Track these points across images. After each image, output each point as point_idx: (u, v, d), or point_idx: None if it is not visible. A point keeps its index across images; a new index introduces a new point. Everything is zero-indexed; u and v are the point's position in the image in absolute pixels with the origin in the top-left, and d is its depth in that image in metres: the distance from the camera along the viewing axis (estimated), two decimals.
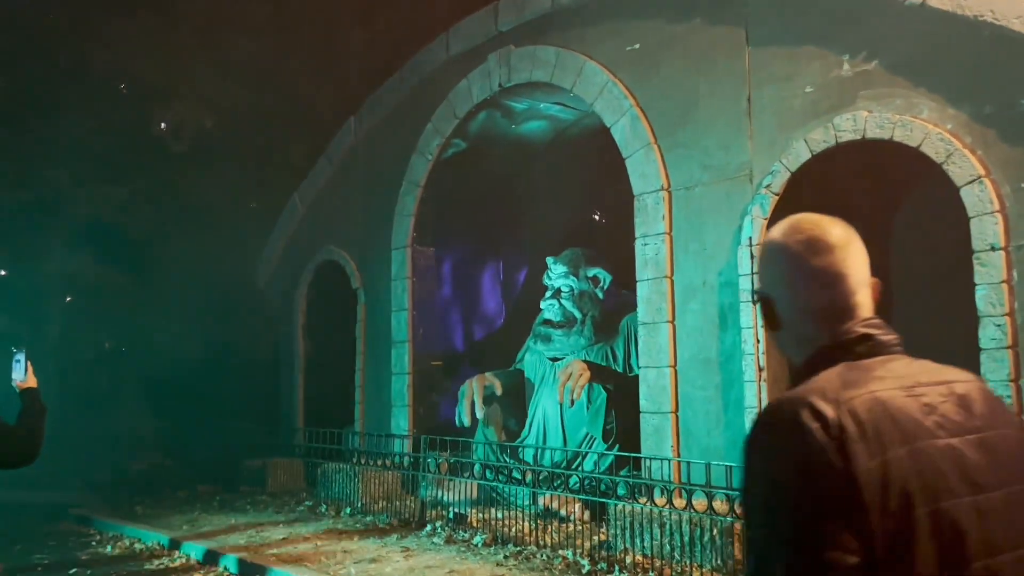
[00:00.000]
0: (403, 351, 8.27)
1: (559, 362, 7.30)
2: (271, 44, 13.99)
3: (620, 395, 6.62)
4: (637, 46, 6.20)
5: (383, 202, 8.63)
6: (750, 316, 5.31)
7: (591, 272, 7.27)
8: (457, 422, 7.31)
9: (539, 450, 7.06)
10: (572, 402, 6.46)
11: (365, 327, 8.88)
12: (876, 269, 1.30)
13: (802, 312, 1.24)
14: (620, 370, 7.03)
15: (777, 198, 5.28)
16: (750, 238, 5.34)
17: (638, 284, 6.03)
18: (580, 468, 6.71)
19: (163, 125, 13.74)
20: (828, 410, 1.07)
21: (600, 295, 7.25)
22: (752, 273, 5.32)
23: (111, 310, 13.58)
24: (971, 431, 1.14)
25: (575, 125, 8.36)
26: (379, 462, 7.70)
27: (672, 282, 5.83)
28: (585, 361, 6.71)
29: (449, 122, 7.88)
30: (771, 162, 5.31)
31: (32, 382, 3.04)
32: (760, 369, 5.26)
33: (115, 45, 13.29)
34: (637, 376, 6.80)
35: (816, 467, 1.04)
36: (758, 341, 5.27)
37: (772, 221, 5.32)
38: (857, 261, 1.26)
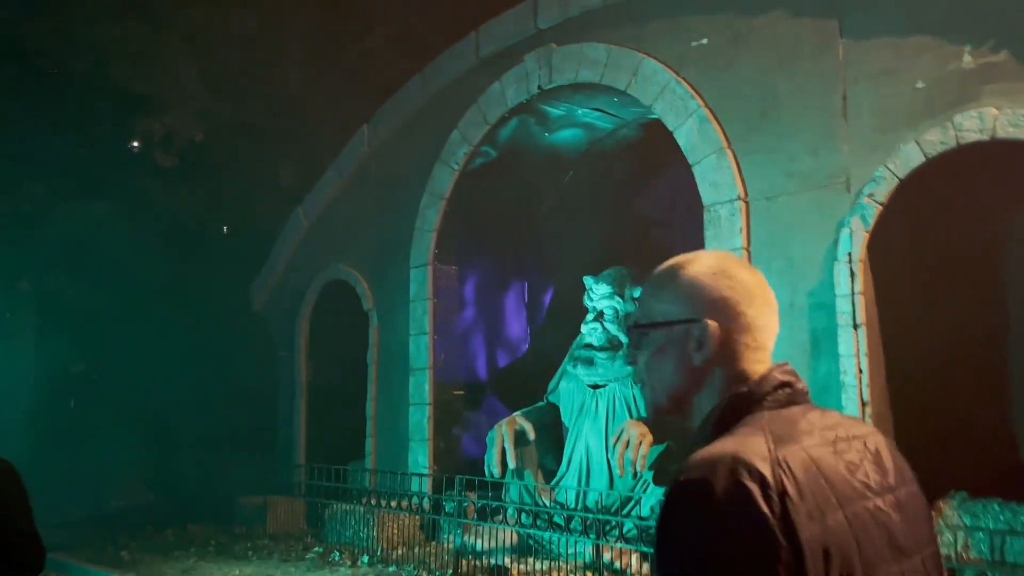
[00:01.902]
0: (423, 379, 7.51)
1: (600, 390, 6.58)
2: (268, 51, 13.32)
3: (682, 432, 5.91)
4: (704, 41, 5.58)
5: (400, 216, 7.92)
6: (850, 342, 4.64)
7: (638, 293, 6.57)
8: (487, 474, 6.54)
9: (582, 492, 6.32)
10: (635, 474, 5.69)
11: (378, 352, 8.11)
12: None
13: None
14: None
15: (882, 208, 4.64)
16: (849, 254, 4.69)
17: None
18: (633, 514, 5.99)
19: (151, 137, 12.96)
20: (766, 470, 1.01)
21: None
22: (853, 293, 4.66)
23: (89, 332, 12.69)
24: (888, 490, 1.13)
25: (611, 136, 7.72)
26: (399, 503, 6.91)
27: None
28: (640, 419, 5.95)
29: (479, 129, 7.21)
30: (873, 168, 4.68)
31: None
32: (864, 404, 4.59)
33: (99, 52, 12.54)
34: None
35: (758, 535, 0.97)
36: (861, 371, 4.61)
37: (875, 234, 4.68)
38: (773, 305, 1.26)
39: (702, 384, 1.22)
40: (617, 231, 8.44)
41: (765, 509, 0.98)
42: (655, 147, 7.83)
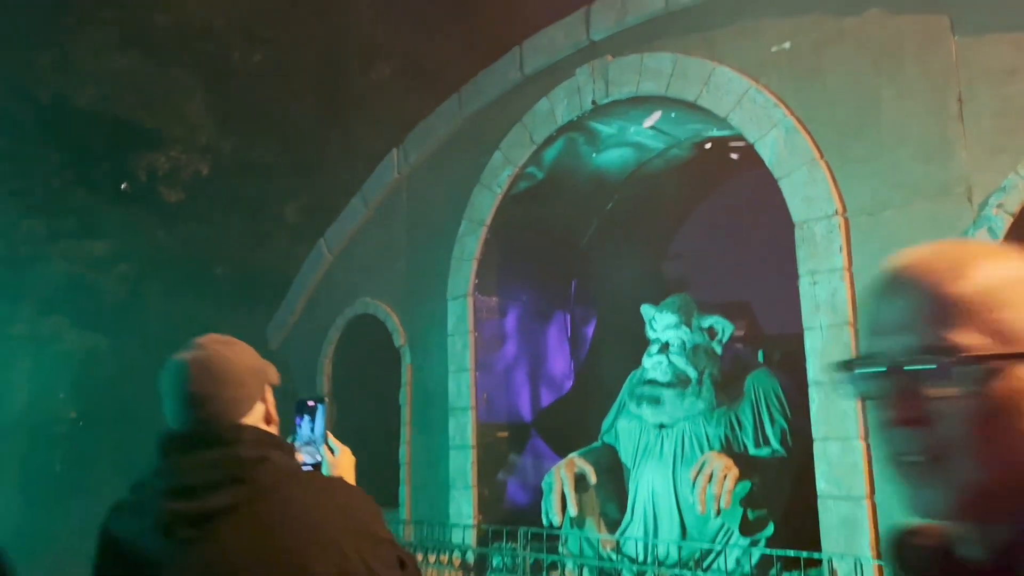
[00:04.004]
0: (465, 420, 6.92)
1: (667, 429, 6.00)
2: (276, 84, 12.94)
3: (772, 474, 5.34)
4: (787, 46, 5.13)
5: (435, 245, 7.39)
6: None
7: (706, 322, 6.03)
8: (545, 521, 5.93)
9: (651, 544, 5.72)
10: (718, 511, 5.09)
11: (412, 391, 7.52)
12: None
13: None
14: (751, 442, 5.75)
15: (1012, 219, 4.15)
16: None
17: (806, 332, 4.82)
18: (715, 568, 5.39)
19: (156, 172, 12.45)
20: None
21: (718, 349, 6.01)
22: None
23: (90, 378, 12.04)
24: None
25: (660, 156, 7.26)
26: (449, 558, 6.28)
27: (857, 330, 4.63)
28: (724, 452, 5.37)
29: (524, 149, 6.72)
30: (1000, 174, 4.20)
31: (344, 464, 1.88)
32: None
33: (102, 85, 12.09)
34: (782, 456, 5.57)
35: None
36: None
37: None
38: None
39: None
40: (664, 258, 7.95)
41: None
42: (706, 167, 7.40)
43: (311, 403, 1.85)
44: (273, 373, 1.77)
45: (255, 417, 1.65)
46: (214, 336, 1.69)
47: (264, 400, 1.69)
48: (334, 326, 8.46)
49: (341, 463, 1.91)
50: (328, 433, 1.90)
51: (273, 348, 9.40)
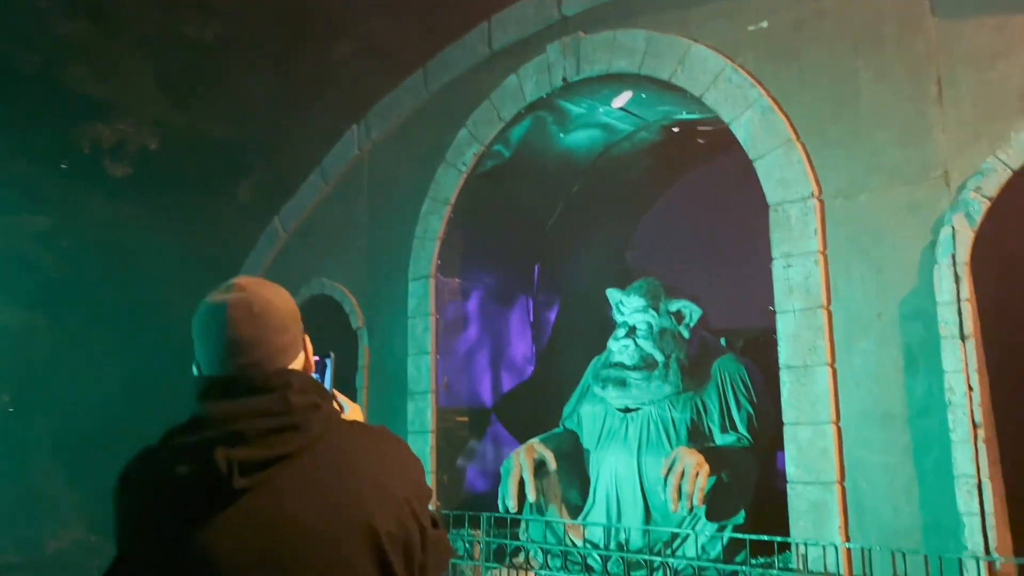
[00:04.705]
0: (424, 404, 6.74)
1: (632, 413, 5.90)
2: (230, 57, 12.53)
3: (742, 466, 5.27)
4: (764, 25, 5.05)
5: (396, 224, 7.18)
6: (957, 356, 4.08)
7: (674, 306, 5.94)
8: (501, 507, 5.79)
9: (614, 529, 5.62)
10: (691, 508, 4.98)
11: (369, 375, 7.31)
12: None
13: None
14: (717, 427, 5.68)
15: (990, 203, 4.12)
16: (952, 255, 4.15)
17: (779, 316, 4.75)
18: (681, 552, 5.31)
19: (101, 145, 11.97)
20: None
21: (686, 334, 5.92)
22: (959, 300, 4.11)
23: (27, 357, 11.54)
24: None
25: (628, 139, 7.15)
26: None
27: (830, 313, 4.57)
28: (694, 447, 5.25)
29: (491, 127, 6.54)
30: (978, 159, 4.17)
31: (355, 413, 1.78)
32: (976, 426, 4.01)
33: (46, 52, 11.56)
34: (751, 445, 5.52)
35: None
36: (971, 389, 4.04)
37: (983, 233, 4.16)
38: None
39: None
40: (629, 242, 7.86)
41: None
42: (674, 152, 7.33)
43: (316, 358, 1.69)
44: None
45: (298, 365, 1.54)
46: (251, 278, 1.56)
47: (305, 348, 1.58)
48: None
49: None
50: (335, 390, 1.74)
51: None
